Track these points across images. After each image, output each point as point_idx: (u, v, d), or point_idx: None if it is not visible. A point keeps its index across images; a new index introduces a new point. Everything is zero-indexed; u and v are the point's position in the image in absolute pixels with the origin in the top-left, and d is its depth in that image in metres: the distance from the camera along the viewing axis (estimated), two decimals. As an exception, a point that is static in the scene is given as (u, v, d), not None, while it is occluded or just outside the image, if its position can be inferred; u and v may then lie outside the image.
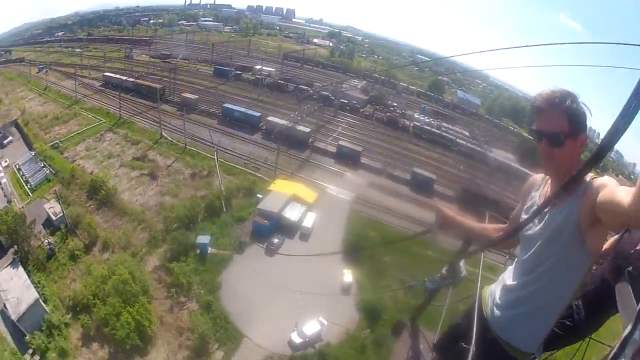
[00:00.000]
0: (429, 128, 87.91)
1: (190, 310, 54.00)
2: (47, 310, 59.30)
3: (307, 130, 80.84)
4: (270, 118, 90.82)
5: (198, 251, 59.91)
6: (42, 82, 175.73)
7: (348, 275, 53.89)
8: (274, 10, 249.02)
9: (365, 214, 66.96)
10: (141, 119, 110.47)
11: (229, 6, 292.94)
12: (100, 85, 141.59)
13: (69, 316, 59.88)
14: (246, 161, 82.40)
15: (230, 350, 49.85)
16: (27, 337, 57.52)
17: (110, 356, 53.28)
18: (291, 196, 66.25)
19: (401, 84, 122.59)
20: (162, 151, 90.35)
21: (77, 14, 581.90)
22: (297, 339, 46.97)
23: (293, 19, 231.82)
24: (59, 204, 70.15)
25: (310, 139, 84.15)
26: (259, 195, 68.97)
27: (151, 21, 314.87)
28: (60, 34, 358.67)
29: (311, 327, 47.66)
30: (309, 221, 63.51)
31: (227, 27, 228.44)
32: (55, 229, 71.95)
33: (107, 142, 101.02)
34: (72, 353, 55.47)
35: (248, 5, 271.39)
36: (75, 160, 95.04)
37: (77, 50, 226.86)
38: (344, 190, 68.19)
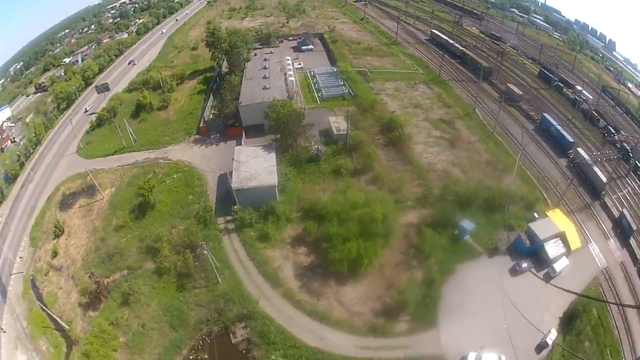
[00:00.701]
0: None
1: (412, 275, 72.71)
2: (277, 198, 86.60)
3: (604, 179, 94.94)
4: (580, 149, 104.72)
5: (456, 232, 79.20)
6: (359, 12, 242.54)
7: (552, 336, 64.16)
8: (598, 34, 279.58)
9: (602, 291, 73.98)
10: (458, 85, 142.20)
11: (559, 12, 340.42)
12: (425, 39, 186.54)
13: (297, 214, 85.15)
14: (540, 176, 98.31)
15: (417, 329, 66.63)
16: (235, 207, 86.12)
17: (309, 264, 76.21)
18: (560, 232, 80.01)
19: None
20: (469, 125, 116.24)
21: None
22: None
23: (613, 52, 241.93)
24: (347, 122, 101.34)
25: (603, 192, 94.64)
26: (535, 214, 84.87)
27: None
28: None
29: (490, 358, 60.28)
30: (560, 265, 76.08)
31: (556, 33, 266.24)
32: (332, 141, 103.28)
33: (419, 92, 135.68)
34: (273, 242, 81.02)
35: (576, 20, 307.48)
36: (380, 94, 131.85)
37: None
38: (600, 255, 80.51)
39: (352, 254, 70.19)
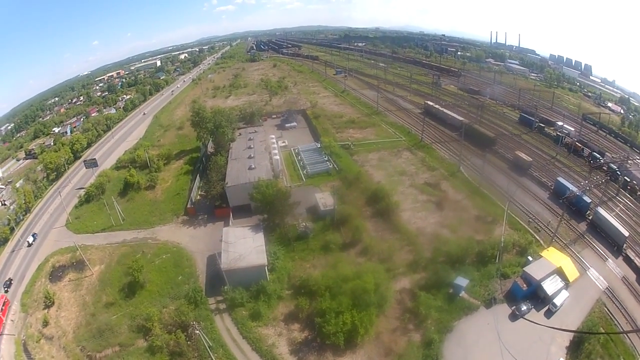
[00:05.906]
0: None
1: (411, 340, 72.96)
2: (267, 277, 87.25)
3: (625, 233, 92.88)
4: (599, 209, 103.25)
5: (451, 290, 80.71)
6: (340, 85, 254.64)
7: None
8: (573, 63, 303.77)
9: (607, 310, 76.72)
10: (441, 146, 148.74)
11: (533, 51, 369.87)
12: (420, 113, 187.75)
13: (288, 292, 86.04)
14: (530, 220, 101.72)
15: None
16: (225, 287, 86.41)
17: (303, 340, 75.83)
18: (556, 268, 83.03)
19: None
20: (455, 184, 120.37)
21: (378, 29, 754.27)
22: None
23: (590, 76, 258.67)
24: (333, 198, 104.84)
25: (625, 245, 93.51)
26: (529, 257, 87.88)
27: (458, 53, 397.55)
28: (361, 44, 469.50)
29: None
30: (560, 299, 78.52)
31: (532, 74, 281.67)
32: (319, 218, 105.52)
33: (403, 159, 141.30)
34: (265, 320, 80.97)
35: (550, 55, 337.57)
36: (364, 166, 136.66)
37: (380, 64, 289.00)
38: (600, 278, 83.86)
39: (347, 325, 70.82)
